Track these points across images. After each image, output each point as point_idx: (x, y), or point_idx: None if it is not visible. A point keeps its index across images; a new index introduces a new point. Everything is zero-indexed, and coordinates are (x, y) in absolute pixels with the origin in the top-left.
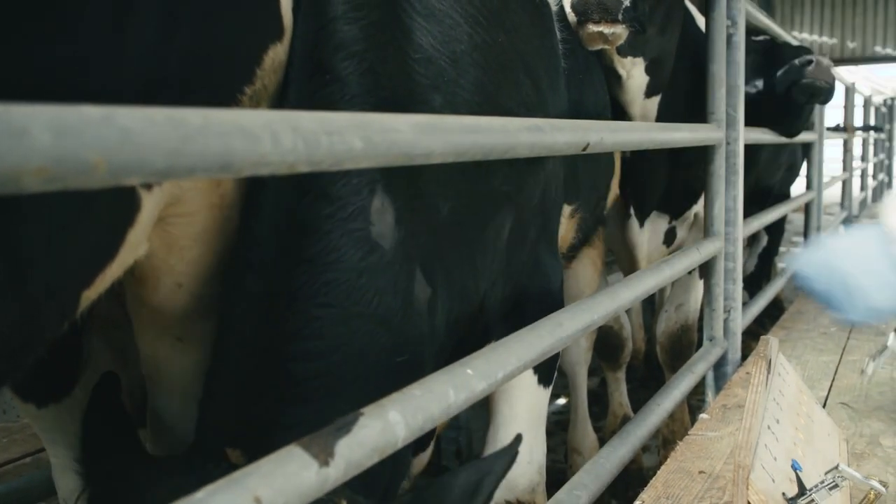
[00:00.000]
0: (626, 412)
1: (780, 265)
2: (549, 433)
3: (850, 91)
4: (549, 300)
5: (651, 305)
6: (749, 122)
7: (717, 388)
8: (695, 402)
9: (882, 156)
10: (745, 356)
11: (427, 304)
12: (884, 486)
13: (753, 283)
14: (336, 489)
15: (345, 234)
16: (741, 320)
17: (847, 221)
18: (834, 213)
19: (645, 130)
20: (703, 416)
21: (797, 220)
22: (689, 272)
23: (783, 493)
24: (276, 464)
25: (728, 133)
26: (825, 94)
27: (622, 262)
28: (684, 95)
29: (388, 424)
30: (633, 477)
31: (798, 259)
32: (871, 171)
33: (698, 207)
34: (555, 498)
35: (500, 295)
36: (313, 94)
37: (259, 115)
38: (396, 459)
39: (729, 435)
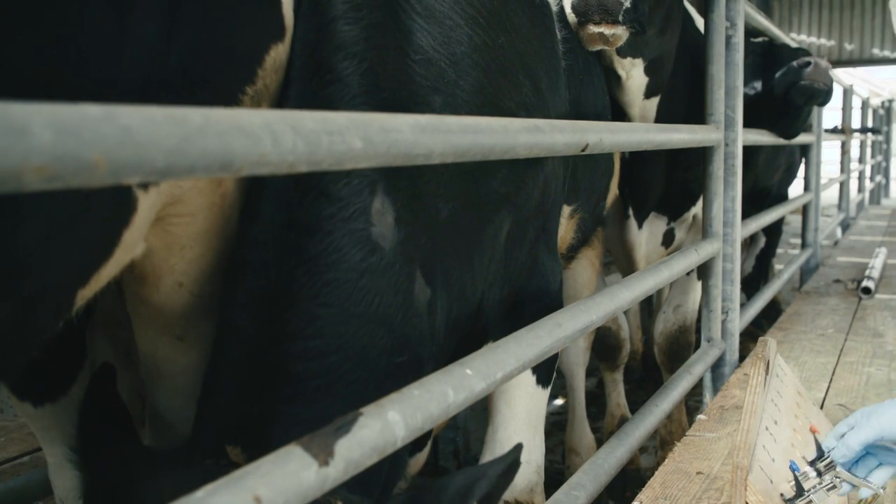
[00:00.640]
0: (624, 413)
1: (777, 267)
2: (547, 433)
3: (847, 93)
4: (547, 301)
5: (649, 306)
6: (747, 123)
7: (715, 390)
8: (692, 403)
9: (879, 158)
10: (742, 357)
11: (426, 305)
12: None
13: (751, 285)
14: (332, 489)
15: (346, 235)
16: (739, 321)
17: (844, 223)
18: (831, 215)
19: (644, 131)
20: (700, 416)
21: (795, 221)
22: (688, 273)
23: (781, 495)
24: (275, 463)
25: (727, 134)
26: (823, 96)
27: (620, 263)
28: (683, 96)
29: (387, 424)
30: (631, 477)
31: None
32: (868, 172)
33: (697, 209)
34: (553, 498)
35: (499, 295)
36: (314, 94)
37: (259, 114)
38: (394, 459)
39: (727, 436)
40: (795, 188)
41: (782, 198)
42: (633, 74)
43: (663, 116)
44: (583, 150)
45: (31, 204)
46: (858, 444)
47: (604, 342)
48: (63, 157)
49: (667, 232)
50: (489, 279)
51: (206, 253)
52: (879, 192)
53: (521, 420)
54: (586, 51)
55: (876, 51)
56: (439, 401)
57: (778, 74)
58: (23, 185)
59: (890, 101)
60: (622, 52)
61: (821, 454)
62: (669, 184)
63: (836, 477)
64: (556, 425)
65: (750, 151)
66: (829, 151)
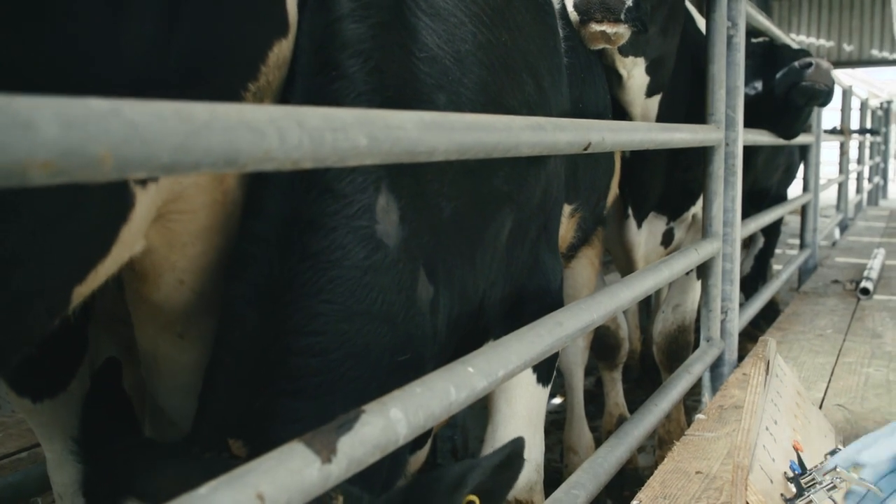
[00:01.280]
0: (622, 412)
1: (775, 267)
2: (546, 432)
3: (846, 94)
4: (548, 299)
5: (647, 306)
6: (748, 123)
7: (714, 389)
8: (690, 403)
9: (878, 159)
10: (740, 357)
11: (429, 303)
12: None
13: (750, 285)
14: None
15: (350, 232)
16: (738, 321)
17: (843, 224)
18: (830, 216)
19: (646, 130)
20: (699, 416)
21: (793, 222)
22: (687, 273)
23: (781, 494)
24: (278, 460)
25: (727, 134)
26: (824, 97)
27: (620, 262)
28: (684, 96)
29: (389, 422)
30: (629, 477)
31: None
32: (866, 173)
33: (696, 209)
34: (553, 497)
35: (501, 294)
36: (319, 91)
37: (265, 110)
38: (394, 457)
39: (726, 436)
40: (794, 189)
41: (781, 198)
42: (635, 74)
43: (664, 116)
44: (585, 149)
45: (21, 199)
46: (887, 457)
47: (603, 341)
48: (69, 151)
49: (666, 232)
50: (491, 277)
51: (208, 250)
52: (878, 194)
53: (522, 418)
54: (588, 49)
55: (875, 52)
56: (441, 399)
57: (779, 75)
58: (28, 180)
59: (889, 103)
60: (624, 51)
61: (803, 470)
62: (669, 183)
63: (837, 477)
64: (555, 424)
65: (749, 151)
66: (828, 152)
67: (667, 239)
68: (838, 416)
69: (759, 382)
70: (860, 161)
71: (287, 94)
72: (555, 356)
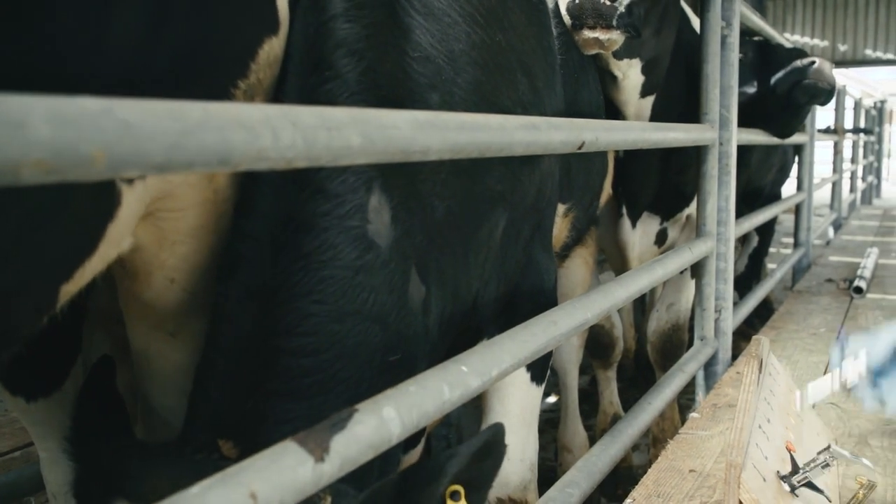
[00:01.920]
0: (617, 411)
1: (769, 266)
2: (540, 431)
3: (840, 93)
4: (542, 299)
5: (641, 305)
6: (743, 122)
7: (708, 388)
8: (684, 401)
9: (871, 158)
10: (734, 356)
11: (421, 304)
12: (872, 485)
13: (744, 284)
14: None
15: (342, 232)
16: (732, 320)
17: (836, 223)
18: (823, 215)
19: (640, 130)
20: (693, 414)
21: (787, 220)
22: (681, 272)
23: (777, 471)
24: (271, 459)
25: (721, 133)
26: (826, 96)
27: (614, 261)
28: (678, 95)
29: (382, 421)
30: (623, 475)
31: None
32: (860, 173)
33: (690, 209)
34: (547, 495)
35: (494, 293)
36: (312, 90)
37: (258, 109)
38: (386, 456)
39: (719, 434)
40: (788, 188)
41: (775, 197)
42: (630, 75)
43: (658, 115)
44: (579, 148)
45: (6, 196)
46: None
47: (597, 340)
48: (61, 150)
49: (660, 231)
50: (484, 277)
51: (199, 249)
52: (871, 193)
53: (515, 417)
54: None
55: (869, 52)
56: (435, 397)
57: (781, 73)
58: (21, 179)
59: (882, 102)
60: (618, 55)
61: (795, 469)
62: (663, 183)
63: (830, 455)
64: (549, 423)
65: (743, 151)
66: (822, 151)
67: (660, 238)
68: (831, 414)
69: (752, 381)
70: (854, 160)
71: (280, 93)
72: (549, 355)
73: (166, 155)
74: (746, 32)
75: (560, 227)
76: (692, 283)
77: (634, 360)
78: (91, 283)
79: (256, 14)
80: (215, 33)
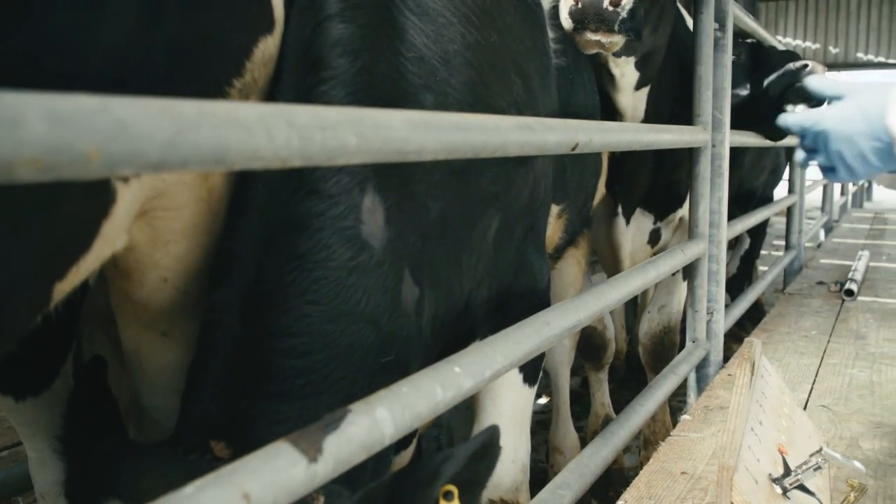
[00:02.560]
0: (608, 412)
1: (761, 268)
2: (531, 432)
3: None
4: (535, 299)
5: (633, 306)
6: (734, 124)
7: (699, 390)
8: (676, 404)
9: None
10: (725, 358)
11: (414, 304)
12: (863, 488)
13: (735, 286)
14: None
15: (335, 233)
16: (723, 322)
17: (827, 226)
18: (815, 218)
19: (633, 132)
20: (685, 417)
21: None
22: (673, 274)
23: (769, 474)
24: (264, 459)
25: (714, 135)
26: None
27: (606, 261)
28: (672, 88)
29: (376, 421)
30: (615, 477)
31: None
32: None
33: (683, 211)
34: (538, 497)
35: (487, 294)
36: (308, 90)
37: (254, 108)
38: (378, 457)
39: (711, 436)
40: (780, 190)
41: (767, 200)
42: (626, 70)
43: (652, 107)
44: (573, 150)
45: None
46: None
47: (589, 342)
48: (57, 148)
49: (653, 231)
50: (477, 278)
51: (193, 248)
52: (862, 196)
53: (507, 418)
54: (577, 50)
55: (860, 55)
56: (428, 398)
57: (774, 76)
58: (15, 177)
59: None
60: (617, 54)
61: (787, 471)
62: (656, 180)
63: (822, 458)
64: (540, 424)
65: (735, 153)
66: None
67: (653, 238)
68: (822, 416)
69: (744, 383)
70: None
71: (275, 92)
72: (541, 356)
73: (161, 153)
74: (739, 34)
75: (554, 228)
76: (684, 285)
77: (626, 361)
78: (83, 282)
79: (252, 13)
80: (211, 32)
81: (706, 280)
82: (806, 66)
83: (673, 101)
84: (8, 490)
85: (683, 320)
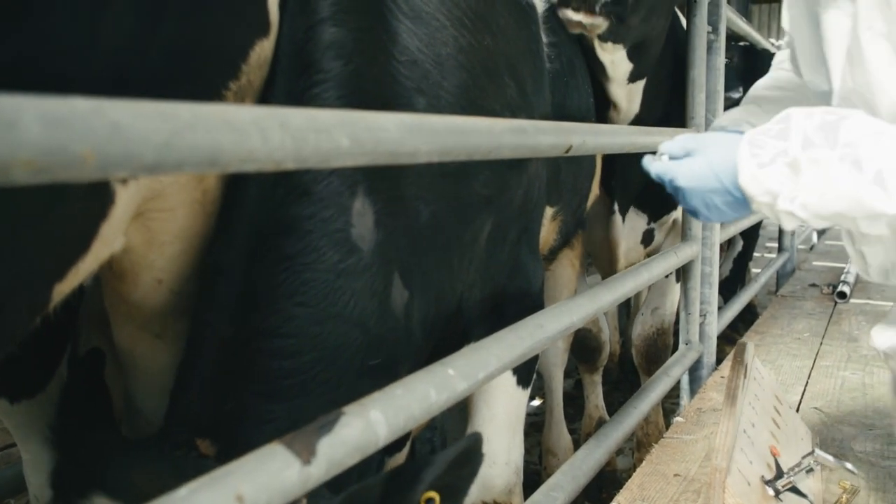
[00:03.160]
0: (602, 414)
1: (754, 271)
2: (525, 434)
3: None
4: (529, 302)
5: (626, 308)
6: None
7: (692, 392)
8: (669, 406)
9: None
10: (719, 360)
11: (403, 307)
12: (855, 490)
13: (728, 288)
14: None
15: (325, 235)
16: (717, 325)
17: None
18: None
19: (626, 134)
20: (678, 419)
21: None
22: (666, 276)
23: (762, 476)
24: (258, 461)
25: None
26: None
27: (600, 261)
28: (668, 83)
29: (369, 423)
30: (607, 479)
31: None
32: None
33: (677, 213)
34: (532, 499)
35: (479, 296)
36: (301, 92)
37: (248, 111)
38: (370, 459)
39: (704, 438)
40: None
41: None
42: (616, 59)
43: (649, 100)
44: (566, 152)
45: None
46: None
47: (583, 344)
48: (52, 150)
49: (646, 231)
50: (469, 280)
51: (187, 250)
52: None
53: (501, 421)
54: (571, 53)
55: None
56: (421, 401)
57: None
58: (11, 179)
59: None
60: (603, 38)
61: (780, 474)
62: (650, 181)
63: (815, 460)
64: (534, 426)
65: None
66: None
67: (647, 238)
68: (815, 418)
69: (737, 386)
70: None
71: (268, 95)
72: (535, 358)
73: (156, 156)
74: (732, 37)
75: (548, 230)
76: (677, 288)
77: (619, 363)
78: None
79: (248, 16)
80: (207, 35)
81: (699, 282)
82: None
83: (672, 100)
84: (1, 492)
85: (676, 322)
